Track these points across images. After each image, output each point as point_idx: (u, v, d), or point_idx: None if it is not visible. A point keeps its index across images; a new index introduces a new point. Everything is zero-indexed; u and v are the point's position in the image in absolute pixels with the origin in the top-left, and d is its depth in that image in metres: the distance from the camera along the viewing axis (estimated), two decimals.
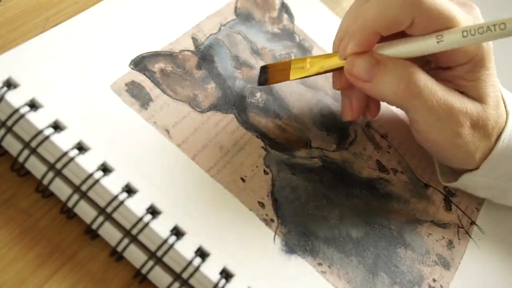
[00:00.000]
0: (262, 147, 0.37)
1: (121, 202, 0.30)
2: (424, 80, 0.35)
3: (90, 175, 0.30)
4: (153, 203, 0.30)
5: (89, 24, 0.36)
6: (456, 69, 0.37)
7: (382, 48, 0.36)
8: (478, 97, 0.37)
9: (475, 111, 0.37)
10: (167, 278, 0.30)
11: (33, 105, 0.30)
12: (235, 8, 0.43)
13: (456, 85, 0.37)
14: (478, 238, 0.41)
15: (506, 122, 0.39)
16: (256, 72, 0.40)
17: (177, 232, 0.30)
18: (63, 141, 0.30)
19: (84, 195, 0.30)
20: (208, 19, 0.41)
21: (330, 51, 0.40)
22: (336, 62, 0.37)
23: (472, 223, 0.42)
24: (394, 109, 0.45)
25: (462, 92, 0.37)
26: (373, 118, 0.41)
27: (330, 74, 0.41)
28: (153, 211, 0.30)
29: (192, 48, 0.39)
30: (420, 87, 0.35)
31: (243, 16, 0.43)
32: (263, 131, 0.38)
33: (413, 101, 0.35)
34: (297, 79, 0.38)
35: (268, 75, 0.39)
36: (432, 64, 0.39)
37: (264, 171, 0.36)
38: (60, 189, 0.30)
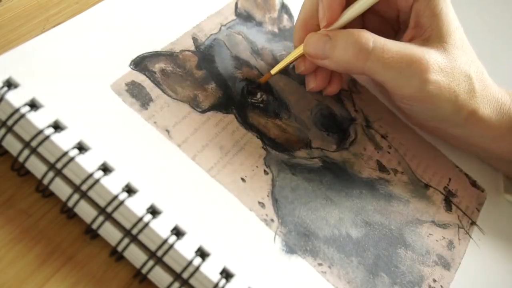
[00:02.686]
0: (262, 147, 0.37)
1: (121, 202, 0.30)
2: (374, 40, 0.36)
3: (90, 175, 0.30)
4: (153, 203, 0.30)
5: (89, 24, 0.36)
6: (415, 7, 0.38)
7: (336, 23, 0.38)
8: (440, 36, 0.38)
9: (439, 56, 0.37)
10: (167, 278, 0.30)
11: (33, 105, 0.30)
12: (236, 8, 0.43)
13: (420, 28, 0.38)
14: (479, 239, 0.41)
15: None
16: (256, 72, 0.40)
17: (177, 232, 0.30)
18: (63, 141, 0.30)
19: (84, 195, 0.30)
20: (209, 19, 0.41)
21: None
22: (299, 50, 0.39)
23: (473, 223, 0.42)
24: (394, 109, 0.45)
25: (425, 38, 0.38)
26: (333, 93, 0.42)
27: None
28: (153, 211, 0.30)
29: (193, 48, 0.39)
30: (369, 48, 0.36)
31: (243, 17, 0.43)
32: (263, 131, 0.38)
33: (367, 63, 0.36)
34: (277, 72, 0.40)
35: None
36: (393, 20, 0.41)
37: (264, 171, 0.36)
38: (60, 189, 0.30)
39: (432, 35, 0.38)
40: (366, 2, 0.37)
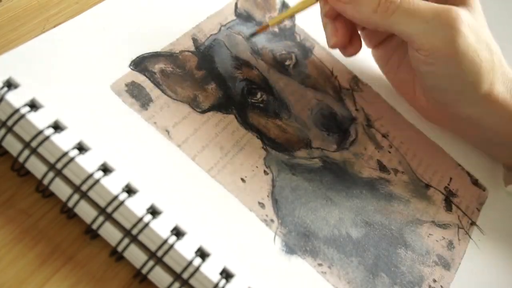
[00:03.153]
0: (262, 147, 0.37)
1: (122, 202, 0.30)
2: None
3: (90, 175, 0.30)
4: (153, 203, 0.30)
5: (89, 25, 0.36)
6: None
7: None
8: (465, 2, 0.37)
9: (467, 13, 0.36)
10: (167, 278, 0.30)
11: (34, 105, 0.30)
12: (236, 8, 0.43)
13: None
14: (479, 239, 0.41)
15: None
16: (256, 72, 0.40)
17: (177, 232, 0.30)
18: (63, 141, 0.30)
19: (84, 195, 0.30)
20: (209, 20, 0.41)
21: (331, 50, 0.40)
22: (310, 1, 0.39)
23: (473, 223, 0.42)
24: (395, 108, 0.45)
25: (452, 2, 0.37)
26: (354, 55, 0.40)
27: (330, 75, 0.41)
28: (154, 211, 0.30)
29: (193, 48, 0.39)
30: (397, 1, 0.35)
31: (243, 17, 0.43)
32: (263, 131, 0.38)
33: (395, 15, 0.35)
34: (275, 23, 0.40)
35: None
36: None
37: (264, 171, 0.36)
38: (60, 189, 0.30)
39: (456, 1, 0.37)
40: None
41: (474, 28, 0.36)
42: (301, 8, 0.39)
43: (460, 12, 0.36)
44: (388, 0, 0.35)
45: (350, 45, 0.40)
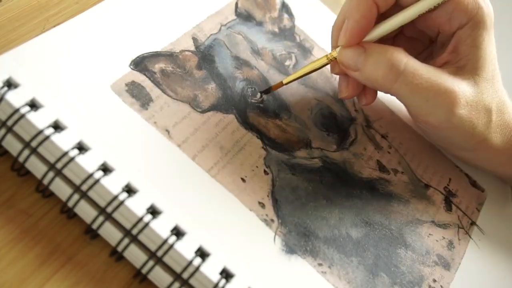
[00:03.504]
0: (262, 147, 0.37)
1: (121, 202, 0.30)
2: (406, 62, 0.36)
3: (91, 175, 0.30)
4: (153, 203, 0.30)
5: (89, 24, 0.36)
6: (458, 34, 0.37)
7: (371, 33, 0.37)
8: (474, 68, 0.37)
9: (468, 89, 0.37)
10: (167, 278, 0.30)
11: (34, 105, 0.30)
12: (236, 8, 0.43)
13: (458, 55, 0.38)
14: (479, 239, 0.41)
15: None
16: (256, 72, 0.40)
17: (177, 232, 0.30)
18: (63, 141, 0.30)
19: (84, 195, 0.30)
20: (209, 19, 0.41)
21: (330, 51, 0.40)
22: (322, 61, 0.39)
23: (473, 223, 0.42)
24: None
25: (459, 65, 0.38)
26: (368, 105, 0.41)
27: (330, 75, 0.41)
28: (154, 211, 0.30)
29: (193, 48, 0.39)
30: (400, 70, 0.35)
31: (243, 16, 0.43)
32: (263, 131, 0.38)
33: (395, 85, 0.36)
34: (290, 81, 0.39)
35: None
36: (433, 48, 0.40)
37: (264, 171, 0.36)
38: (60, 189, 0.30)
39: (468, 65, 0.37)
40: (414, 11, 0.36)
41: (473, 102, 0.37)
42: (312, 69, 0.39)
43: (461, 92, 0.36)
44: (392, 69, 0.36)
45: (364, 96, 0.40)
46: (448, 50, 0.38)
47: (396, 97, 0.38)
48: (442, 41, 0.39)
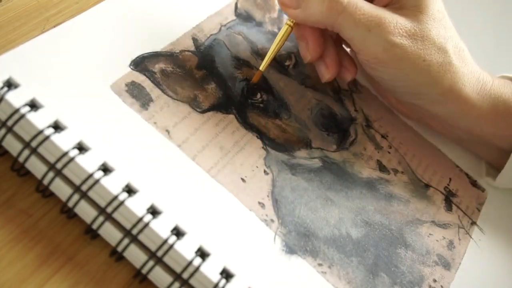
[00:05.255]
0: (262, 147, 0.37)
1: (122, 202, 0.30)
2: None
3: (91, 175, 0.30)
4: (153, 203, 0.30)
5: (89, 24, 0.36)
6: None
7: None
8: (415, 5, 0.38)
9: (408, 23, 0.38)
10: (167, 278, 0.30)
11: (34, 105, 0.30)
12: (236, 8, 0.43)
13: None
14: (479, 239, 0.41)
15: None
16: (256, 72, 0.40)
17: (178, 232, 0.30)
18: (64, 141, 0.30)
19: (84, 195, 0.30)
20: (209, 20, 0.41)
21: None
22: (286, 29, 0.39)
23: (473, 223, 0.42)
24: (394, 109, 0.46)
25: (400, 5, 0.38)
26: (354, 77, 0.41)
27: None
28: (154, 211, 0.30)
29: (193, 48, 0.39)
30: (344, 3, 0.36)
31: (243, 17, 0.43)
32: (263, 131, 0.38)
33: (339, 17, 0.37)
34: (266, 65, 0.39)
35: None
36: None
37: (264, 171, 0.36)
38: (60, 189, 0.30)
39: (407, 4, 0.38)
40: None
41: (417, 36, 0.38)
42: (279, 41, 0.39)
43: (398, 23, 0.37)
44: (336, 5, 0.36)
45: (345, 70, 0.41)
46: None
47: (339, 32, 0.38)
48: None
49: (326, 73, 0.41)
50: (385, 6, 0.39)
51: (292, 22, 0.39)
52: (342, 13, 0.36)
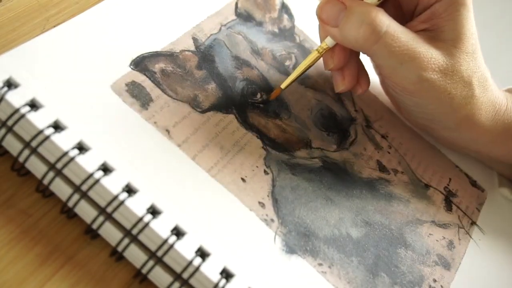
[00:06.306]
0: (262, 147, 0.37)
1: (122, 202, 0.30)
2: (387, 24, 0.36)
3: (91, 175, 0.30)
4: (153, 203, 0.30)
5: (89, 24, 0.36)
6: (435, 6, 0.38)
7: None
8: (451, 39, 0.38)
9: (441, 58, 0.37)
10: (167, 278, 0.30)
11: (34, 105, 0.30)
12: (236, 8, 0.43)
13: (432, 25, 0.38)
14: (479, 239, 0.41)
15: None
16: (256, 72, 0.40)
17: (178, 232, 0.30)
18: (64, 141, 0.30)
19: (84, 195, 0.30)
20: (209, 19, 0.41)
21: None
22: (314, 56, 0.39)
23: (473, 223, 0.42)
24: (394, 109, 0.45)
25: (436, 35, 0.38)
26: (364, 92, 0.41)
27: (330, 75, 0.41)
28: (154, 211, 0.30)
29: (193, 48, 0.39)
30: (381, 32, 0.36)
31: (243, 16, 0.43)
32: (263, 131, 0.38)
33: (374, 46, 0.36)
34: (288, 85, 0.39)
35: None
36: (408, 11, 0.40)
37: (265, 171, 0.36)
38: (61, 189, 0.30)
39: (443, 36, 0.38)
40: None
41: (448, 71, 0.37)
42: (306, 66, 0.39)
43: (433, 58, 0.37)
44: (373, 31, 0.36)
45: (358, 85, 0.41)
46: (421, 19, 0.39)
47: (371, 57, 0.38)
48: (418, 13, 0.40)
49: (341, 84, 0.40)
50: (422, 30, 0.38)
51: (323, 48, 0.38)
52: (377, 43, 0.36)
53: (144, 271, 0.30)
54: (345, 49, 0.39)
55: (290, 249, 0.33)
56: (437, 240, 0.39)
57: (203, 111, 0.36)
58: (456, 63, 0.38)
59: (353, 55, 0.40)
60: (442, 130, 0.42)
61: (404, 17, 0.41)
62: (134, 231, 0.30)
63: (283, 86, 0.39)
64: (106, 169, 0.30)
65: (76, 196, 0.30)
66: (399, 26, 0.36)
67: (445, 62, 0.37)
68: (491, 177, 0.46)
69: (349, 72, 0.40)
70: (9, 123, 0.30)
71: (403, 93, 0.39)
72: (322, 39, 0.39)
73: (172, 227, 0.30)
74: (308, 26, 0.46)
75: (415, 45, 0.37)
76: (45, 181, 0.30)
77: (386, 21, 0.36)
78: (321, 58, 0.39)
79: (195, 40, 0.39)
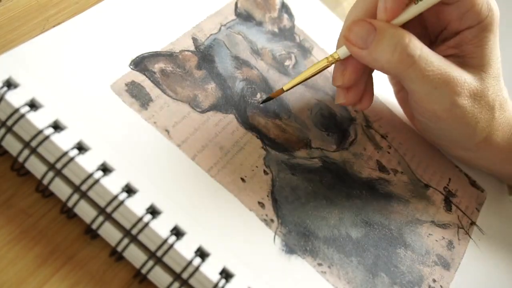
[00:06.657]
0: (262, 147, 0.37)
1: (121, 202, 0.30)
2: (420, 49, 0.35)
3: (90, 175, 0.30)
4: (153, 203, 0.30)
5: (89, 24, 0.36)
6: (464, 33, 0.38)
7: (401, 15, 0.36)
8: (480, 65, 0.38)
9: (474, 82, 0.37)
10: (167, 278, 0.30)
11: (33, 105, 0.30)
12: (236, 8, 0.43)
13: (461, 51, 0.38)
14: (478, 239, 0.41)
15: None
16: (256, 72, 0.40)
17: (177, 232, 0.30)
18: (63, 141, 0.30)
19: (84, 195, 0.30)
20: (209, 19, 0.41)
21: (330, 51, 0.40)
22: (322, 64, 0.38)
23: (472, 223, 0.42)
24: (393, 109, 0.46)
25: (464, 60, 0.38)
26: (363, 110, 0.41)
27: (330, 75, 0.41)
28: (153, 211, 0.30)
29: (192, 48, 0.39)
30: (415, 57, 0.35)
31: (243, 16, 0.43)
32: (263, 131, 0.38)
33: (408, 70, 0.35)
34: (290, 87, 0.38)
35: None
36: (434, 33, 0.40)
37: (264, 171, 0.36)
38: (60, 189, 0.30)
39: (472, 62, 0.38)
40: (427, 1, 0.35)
41: (478, 96, 0.37)
42: (312, 73, 0.38)
43: (466, 83, 0.37)
44: (408, 54, 0.35)
45: (360, 102, 0.40)
46: (450, 44, 0.38)
47: (402, 82, 0.37)
48: (444, 37, 0.39)
49: (342, 98, 0.39)
50: (451, 55, 0.38)
51: (334, 58, 0.37)
52: (411, 67, 0.35)
53: (143, 271, 0.30)
54: (359, 66, 0.38)
55: (290, 249, 0.33)
56: (436, 240, 0.39)
57: (203, 111, 0.36)
58: (485, 88, 0.38)
59: (366, 72, 0.39)
60: (459, 149, 0.42)
61: (429, 40, 0.41)
62: (134, 231, 0.30)
63: (285, 88, 0.39)
64: (105, 169, 0.30)
65: (75, 196, 0.30)
66: (431, 51, 0.36)
67: (475, 86, 0.37)
68: (490, 178, 0.46)
69: (356, 89, 0.39)
70: (9, 123, 0.30)
71: (432, 117, 0.38)
72: (339, 44, 0.38)
73: (171, 227, 0.30)
74: (308, 26, 0.46)
75: (448, 69, 0.36)
76: (45, 181, 0.30)
77: (419, 45, 0.35)
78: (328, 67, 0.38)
79: (194, 40, 0.39)
